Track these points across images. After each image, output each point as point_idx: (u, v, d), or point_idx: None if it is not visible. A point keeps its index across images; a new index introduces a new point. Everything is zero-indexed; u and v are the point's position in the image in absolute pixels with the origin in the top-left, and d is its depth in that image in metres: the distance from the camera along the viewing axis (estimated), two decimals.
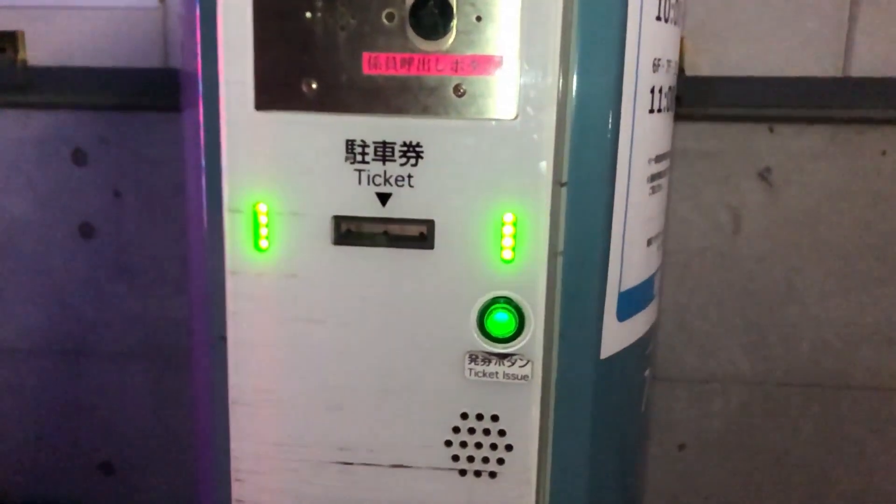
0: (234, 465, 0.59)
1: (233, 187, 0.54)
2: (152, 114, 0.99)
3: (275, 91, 0.53)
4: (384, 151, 0.53)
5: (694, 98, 0.90)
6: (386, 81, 0.52)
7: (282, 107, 0.53)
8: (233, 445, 0.58)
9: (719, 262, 0.98)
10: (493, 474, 0.57)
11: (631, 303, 0.60)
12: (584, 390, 0.57)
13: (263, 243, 0.55)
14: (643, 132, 0.57)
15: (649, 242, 0.62)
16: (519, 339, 0.54)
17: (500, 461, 0.56)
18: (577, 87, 0.52)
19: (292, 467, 0.58)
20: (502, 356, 0.55)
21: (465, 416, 0.56)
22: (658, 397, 1.02)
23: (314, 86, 0.52)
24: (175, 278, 1.03)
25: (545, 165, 0.52)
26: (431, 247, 0.54)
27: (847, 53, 0.91)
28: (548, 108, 0.51)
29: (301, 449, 0.58)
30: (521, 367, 0.55)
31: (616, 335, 0.58)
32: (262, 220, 0.54)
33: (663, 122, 0.61)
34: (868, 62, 0.91)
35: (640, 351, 0.64)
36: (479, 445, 0.56)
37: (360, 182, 0.53)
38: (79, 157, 1.01)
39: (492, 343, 0.55)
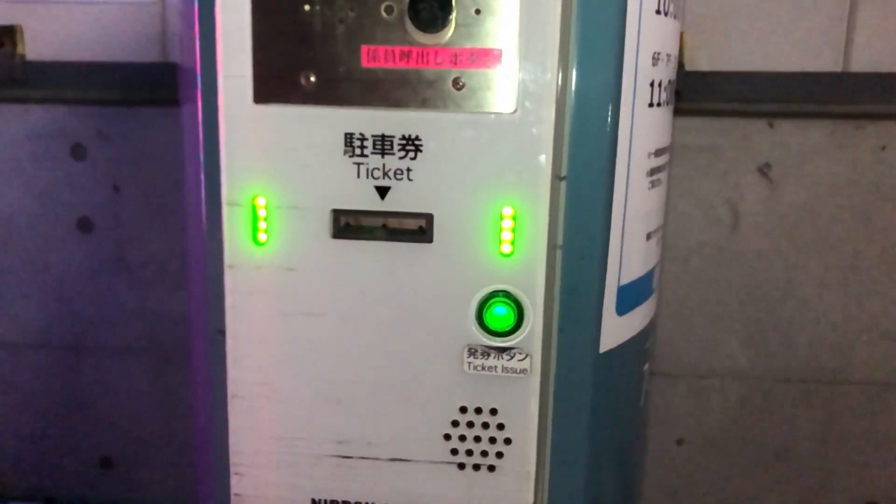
0: (232, 458, 0.59)
1: (231, 181, 0.54)
2: (151, 108, 0.99)
3: (273, 84, 0.52)
4: (383, 145, 0.52)
5: (693, 93, 0.90)
6: (385, 74, 0.52)
7: (280, 100, 0.53)
8: (232, 439, 0.58)
9: (718, 257, 0.98)
10: (491, 468, 0.57)
11: (630, 297, 0.60)
12: (583, 384, 0.57)
13: (262, 237, 0.55)
14: (642, 126, 0.57)
15: (649, 237, 0.62)
16: (518, 332, 0.54)
17: (499, 455, 0.57)
18: (577, 80, 0.52)
19: (291, 461, 0.58)
20: (501, 350, 0.55)
21: (463, 409, 0.56)
22: (656, 392, 1.02)
23: (313, 79, 0.52)
24: (174, 273, 1.03)
25: (544, 159, 0.52)
26: (430, 240, 0.54)
27: (847, 49, 0.91)
28: (547, 102, 0.51)
29: (300, 442, 0.58)
30: (520, 360, 0.55)
31: (615, 329, 0.58)
32: (261, 213, 0.54)
33: (663, 116, 0.61)
34: (868, 57, 0.91)
35: (639, 345, 0.64)
36: (477, 439, 0.56)
37: (358, 175, 0.53)
38: (77, 152, 1.01)
39: (491, 337, 0.55)
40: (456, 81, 0.51)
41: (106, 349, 1.06)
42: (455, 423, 0.56)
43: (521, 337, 0.54)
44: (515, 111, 0.51)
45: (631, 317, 0.61)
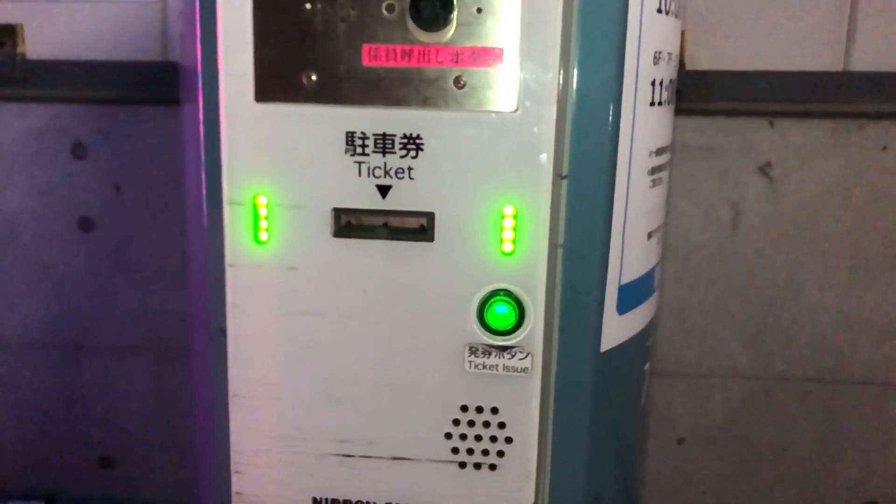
0: (233, 457, 0.59)
1: (232, 180, 0.54)
2: (152, 107, 0.99)
3: (274, 83, 0.52)
4: (384, 143, 0.52)
5: (694, 92, 0.90)
6: (386, 73, 0.52)
7: (281, 99, 0.53)
8: (232, 438, 0.58)
9: (719, 256, 0.98)
10: (492, 467, 0.57)
11: (631, 296, 0.60)
12: (583, 383, 0.57)
13: (263, 236, 0.55)
14: (644, 125, 0.57)
15: (650, 236, 0.62)
16: (519, 331, 0.54)
17: (500, 454, 0.57)
18: (578, 79, 0.52)
19: (292, 460, 0.58)
20: (502, 349, 0.55)
21: (464, 408, 0.56)
22: (657, 391, 1.02)
23: (314, 78, 0.52)
24: (175, 271, 1.03)
25: (545, 158, 0.52)
26: (431, 239, 0.54)
27: (848, 48, 0.91)
28: (548, 101, 0.51)
29: (301, 441, 0.58)
30: (521, 359, 0.55)
31: (616, 328, 0.58)
32: (262, 212, 0.54)
33: (664, 114, 0.61)
34: (869, 57, 0.91)
35: (640, 344, 0.64)
36: (478, 438, 0.56)
37: (360, 174, 0.53)
38: (78, 151, 1.01)
39: (492, 335, 0.55)
40: (457, 80, 0.51)
41: (106, 348, 1.06)
42: (456, 422, 0.56)
43: (522, 336, 0.54)
44: (517, 110, 0.51)
45: (632, 316, 0.61)
